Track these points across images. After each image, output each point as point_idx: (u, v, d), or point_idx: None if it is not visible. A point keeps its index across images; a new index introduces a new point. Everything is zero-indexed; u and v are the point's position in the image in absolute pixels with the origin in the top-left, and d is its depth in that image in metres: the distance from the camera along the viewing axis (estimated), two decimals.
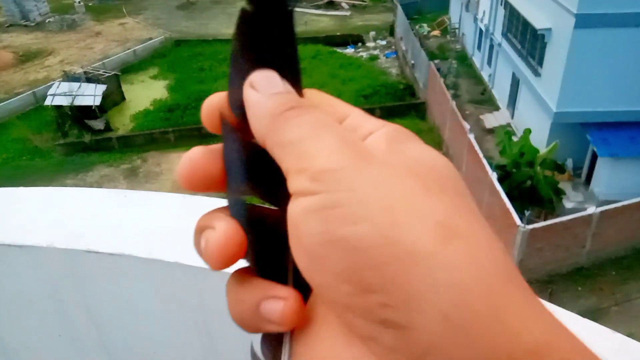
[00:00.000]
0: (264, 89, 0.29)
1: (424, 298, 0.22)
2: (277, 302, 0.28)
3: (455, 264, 0.23)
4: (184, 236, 1.04)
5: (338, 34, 25.66)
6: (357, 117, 0.31)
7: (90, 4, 30.53)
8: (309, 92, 0.32)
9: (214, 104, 0.31)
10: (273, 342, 0.30)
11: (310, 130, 0.27)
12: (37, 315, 1.14)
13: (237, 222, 0.28)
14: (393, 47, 24.38)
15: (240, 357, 1.04)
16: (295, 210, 0.26)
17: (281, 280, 0.29)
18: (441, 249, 0.23)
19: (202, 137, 18.17)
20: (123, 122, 19.79)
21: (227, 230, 0.28)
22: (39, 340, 1.18)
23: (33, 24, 27.81)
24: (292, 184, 0.26)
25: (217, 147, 0.31)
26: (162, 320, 1.08)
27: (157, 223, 1.08)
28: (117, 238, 1.05)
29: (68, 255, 1.04)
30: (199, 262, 0.98)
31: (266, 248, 0.30)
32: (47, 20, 27.95)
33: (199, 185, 0.30)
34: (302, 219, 0.25)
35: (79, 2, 29.51)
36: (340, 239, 0.24)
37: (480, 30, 19.93)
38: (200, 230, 0.30)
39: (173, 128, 18.67)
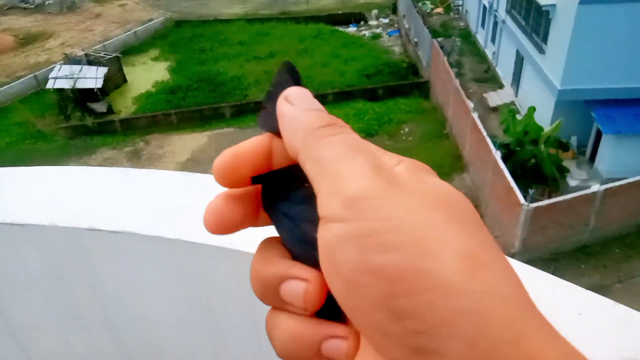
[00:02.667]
0: (299, 103, 0.30)
1: (454, 325, 0.24)
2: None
3: (481, 294, 0.24)
4: (185, 213, 1.03)
5: (340, 12, 25.37)
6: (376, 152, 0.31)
7: None
8: None
9: (229, 162, 0.31)
10: None
11: (345, 151, 0.28)
12: (41, 293, 1.14)
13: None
14: (396, 25, 24.12)
15: (243, 332, 1.04)
16: (328, 235, 0.26)
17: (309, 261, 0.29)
18: (469, 279, 0.24)
19: (203, 118, 18.13)
20: (125, 105, 19.73)
21: (320, 278, 0.29)
22: (44, 319, 1.19)
23: (32, 6, 27.57)
24: (324, 207, 0.27)
25: (239, 193, 0.32)
26: (164, 297, 1.08)
27: (158, 200, 1.08)
28: (119, 216, 1.05)
29: (70, 233, 1.04)
30: (201, 239, 0.98)
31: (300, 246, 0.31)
32: (46, 2, 27.69)
33: (226, 230, 0.32)
34: (337, 246, 0.26)
35: None
36: (376, 267, 0.25)
37: (484, 7, 19.67)
38: (278, 279, 0.30)
39: (175, 110, 18.62)
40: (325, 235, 0.27)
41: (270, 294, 0.30)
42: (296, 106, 0.30)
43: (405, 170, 0.30)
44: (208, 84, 19.80)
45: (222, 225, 0.32)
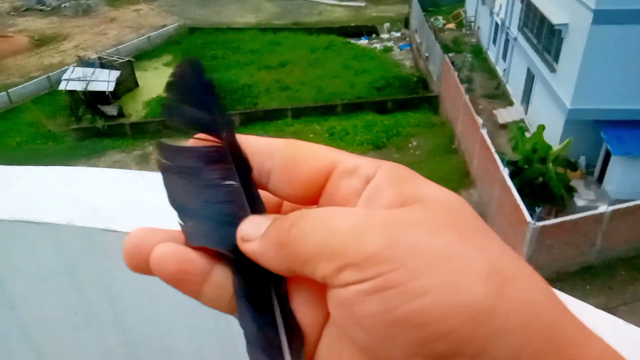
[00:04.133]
0: (255, 233, 0.29)
1: (493, 349, 0.23)
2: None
3: (514, 310, 0.23)
4: None
5: (352, 24, 25.53)
6: (347, 162, 0.30)
7: None
8: (286, 143, 0.31)
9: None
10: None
11: (324, 230, 0.26)
12: (54, 292, 1.16)
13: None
14: (407, 39, 24.23)
15: None
16: (347, 294, 0.25)
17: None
18: (499, 300, 0.23)
19: None
20: (136, 109, 19.89)
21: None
22: (56, 316, 1.20)
23: (49, 9, 27.94)
24: (338, 282, 0.26)
25: (166, 233, 0.32)
26: (176, 300, 1.09)
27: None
28: (134, 217, 1.07)
29: (86, 233, 1.05)
30: None
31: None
32: (62, 5, 28.05)
33: (145, 270, 0.30)
34: (358, 302, 0.25)
35: None
36: (404, 317, 0.24)
37: (496, 24, 19.74)
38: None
39: None
40: (343, 294, 0.25)
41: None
42: (253, 238, 0.29)
43: (388, 185, 0.28)
44: (218, 90, 19.89)
45: (142, 263, 0.31)
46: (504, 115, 16.72)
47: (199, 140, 0.31)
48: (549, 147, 12.76)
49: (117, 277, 1.11)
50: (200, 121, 0.31)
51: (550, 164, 12.57)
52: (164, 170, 0.32)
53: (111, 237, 1.05)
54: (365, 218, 0.26)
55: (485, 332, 0.23)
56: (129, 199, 1.13)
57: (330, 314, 0.27)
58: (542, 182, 12.53)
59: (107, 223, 1.05)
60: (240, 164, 0.31)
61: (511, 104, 17.38)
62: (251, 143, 0.32)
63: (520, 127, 14.40)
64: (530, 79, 16.39)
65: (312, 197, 0.31)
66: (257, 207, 0.31)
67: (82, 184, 1.21)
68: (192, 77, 0.31)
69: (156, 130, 18.39)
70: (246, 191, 0.31)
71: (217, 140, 0.31)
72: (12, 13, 28.39)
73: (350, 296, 0.25)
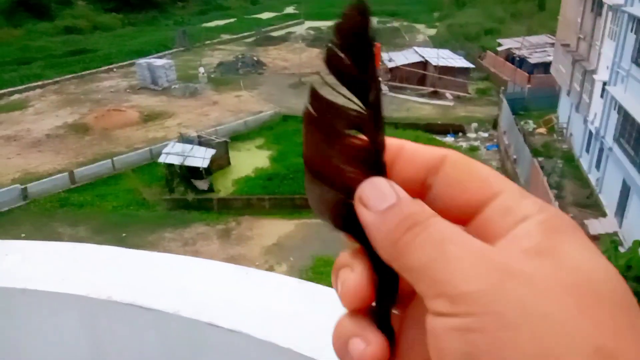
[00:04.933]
0: (374, 205, 0.28)
1: None
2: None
3: None
4: (299, 321, 1.08)
5: (439, 122, 25.84)
6: (511, 196, 0.28)
7: (212, 76, 33.38)
8: (454, 157, 0.31)
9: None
10: None
11: (435, 252, 0.26)
12: None
13: (371, 271, 0.29)
14: (495, 140, 24.08)
15: None
16: (437, 324, 0.25)
17: (384, 326, 0.30)
18: None
19: (294, 207, 18.66)
20: (225, 185, 20.90)
21: (380, 346, 0.28)
22: None
23: (160, 89, 30.78)
24: (431, 307, 0.25)
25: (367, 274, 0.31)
26: None
27: (274, 305, 1.14)
28: (236, 314, 1.11)
29: (191, 325, 1.11)
30: (312, 352, 1.01)
31: (385, 293, 0.30)
32: (172, 87, 30.83)
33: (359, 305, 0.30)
34: (444, 336, 0.25)
35: (203, 73, 32.39)
36: None
37: (590, 132, 19.23)
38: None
39: (269, 196, 19.39)
40: (434, 324, 0.25)
41: (341, 348, 0.30)
42: (373, 209, 0.28)
43: (540, 230, 0.26)
44: (303, 174, 20.52)
45: (357, 301, 0.30)
46: (596, 226, 15.83)
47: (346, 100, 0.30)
48: None
49: None
50: (353, 79, 0.30)
51: None
52: (308, 120, 0.31)
53: (214, 332, 1.10)
54: (480, 255, 0.25)
55: None
56: (232, 295, 1.19)
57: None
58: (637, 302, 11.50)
59: (211, 317, 1.11)
60: (377, 138, 0.30)
61: (604, 215, 16.49)
62: (412, 148, 0.32)
63: (613, 240, 13.44)
64: (625, 190, 15.57)
65: (464, 220, 0.29)
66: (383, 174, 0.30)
67: (189, 274, 1.29)
68: (358, 25, 0.29)
69: (240, 207, 19.10)
70: (377, 158, 0.30)
71: (362, 108, 0.30)
72: (128, 90, 31.56)
73: (437, 326, 0.25)
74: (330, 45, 0.29)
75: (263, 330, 1.07)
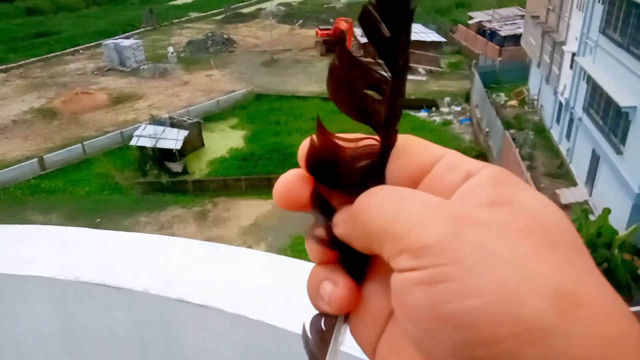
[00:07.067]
0: (340, 217, 0.31)
1: None
2: (330, 285, 0.31)
3: (579, 338, 0.21)
4: (269, 295, 1.09)
5: (412, 97, 25.94)
6: (455, 157, 0.30)
7: (182, 55, 32.78)
8: (402, 138, 0.32)
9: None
10: (327, 324, 0.33)
11: (393, 211, 0.27)
12: (123, 355, 1.21)
13: (352, 280, 0.31)
14: (467, 113, 24.31)
15: None
16: (399, 280, 0.25)
17: (354, 272, 0.31)
18: (562, 322, 0.21)
19: (270, 187, 18.55)
20: (199, 167, 20.70)
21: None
22: None
23: (128, 70, 30.13)
24: (395, 265, 0.26)
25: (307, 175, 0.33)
26: None
27: (244, 279, 1.14)
28: (206, 290, 1.12)
29: (161, 302, 1.11)
30: (281, 323, 1.02)
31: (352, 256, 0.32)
32: (141, 67, 30.21)
33: (291, 206, 0.32)
34: (407, 291, 0.25)
35: (172, 53, 31.78)
36: (450, 314, 0.23)
37: (560, 103, 19.54)
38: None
39: (245, 176, 19.29)
40: (397, 280, 0.25)
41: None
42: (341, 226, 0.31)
43: (488, 183, 0.27)
44: (279, 154, 20.51)
45: (289, 200, 0.32)
46: (567, 195, 16.21)
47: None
48: (615, 232, 12.17)
49: (184, 347, 1.15)
50: (384, 42, 0.29)
51: (616, 250, 11.94)
52: (332, 74, 0.31)
53: (183, 308, 1.10)
54: (436, 208, 0.26)
55: (535, 351, 0.21)
56: (201, 271, 1.19)
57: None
58: (606, 268, 11.87)
59: (181, 294, 1.11)
60: (395, 104, 0.31)
61: (575, 184, 16.87)
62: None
63: (584, 209, 13.88)
64: (595, 160, 15.94)
65: (413, 186, 0.30)
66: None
67: (157, 252, 1.28)
68: None
69: (216, 189, 18.98)
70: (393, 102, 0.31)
71: (384, 75, 0.30)
72: (95, 72, 30.81)
73: (402, 283, 0.25)
74: (368, 4, 0.29)
75: (233, 304, 1.07)
